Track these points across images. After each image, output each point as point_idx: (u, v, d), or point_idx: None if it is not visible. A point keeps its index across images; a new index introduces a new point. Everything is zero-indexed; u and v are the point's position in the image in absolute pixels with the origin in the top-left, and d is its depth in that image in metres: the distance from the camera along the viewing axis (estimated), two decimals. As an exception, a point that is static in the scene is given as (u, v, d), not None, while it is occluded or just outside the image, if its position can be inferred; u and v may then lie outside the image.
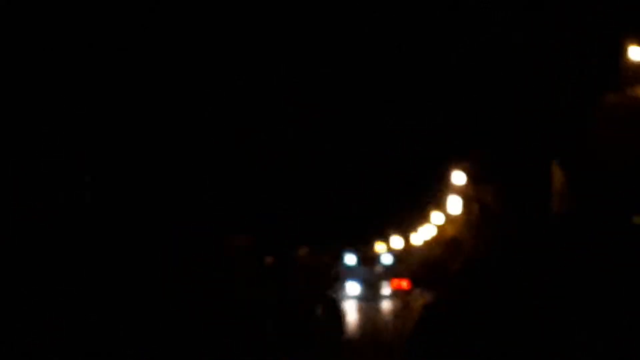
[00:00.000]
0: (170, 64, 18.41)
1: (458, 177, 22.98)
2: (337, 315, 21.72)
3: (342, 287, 27.80)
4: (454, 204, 23.91)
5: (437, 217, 28.53)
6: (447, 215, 26.30)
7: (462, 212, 23.45)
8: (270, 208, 21.93)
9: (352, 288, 27.83)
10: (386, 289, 27.49)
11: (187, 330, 13.86)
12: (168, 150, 18.49)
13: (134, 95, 17.53)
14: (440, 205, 27.17)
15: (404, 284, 27.08)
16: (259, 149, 21.36)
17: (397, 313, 23.40)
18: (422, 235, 31.73)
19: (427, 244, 30.54)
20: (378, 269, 29.48)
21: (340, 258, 28.93)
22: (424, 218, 31.10)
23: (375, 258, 30.59)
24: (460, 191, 23.55)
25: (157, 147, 18.29)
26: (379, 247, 32.32)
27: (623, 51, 21.18)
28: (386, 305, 26.10)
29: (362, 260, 29.30)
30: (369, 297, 27.23)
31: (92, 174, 16.44)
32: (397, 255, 31.46)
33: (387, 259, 30.49)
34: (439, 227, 28.48)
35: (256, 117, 20.77)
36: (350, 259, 28.73)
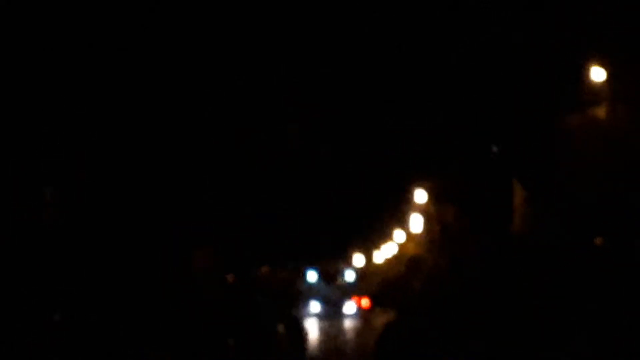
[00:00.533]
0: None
1: (420, 196, 23.29)
2: (299, 333, 21.59)
3: (303, 305, 27.39)
4: (416, 223, 24.65)
5: (398, 235, 28.66)
6: (409, 234, 26.45)
7: (423, 230, 23.78)
8: (231, 225, 20.84)
9: (314, 306, 27.81)
10: (348, 307, 27.39)
11: (147, 347, 13.51)
12: (134, 164, 17.84)
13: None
14: (403, 224, 27.51)
15: (365, 302, 27.09)
16: (222, 166, 20.65)
17: (358, 331, 23.53)
18: (384, 253, 31.73)
19: (389, 262, 30.37)
20: (340, 286, 29.32)
21: (301, 276, 28.88)
22: (386, 236, 31.22)
23: (338, 276, 30.27)
24: (422, 210, 23.91)
25: (123, 162, 17.60)
26: (341, 264, 31.63)
27: (585, 72, 21.25)
28: (348, 323, 26.09)
29: (324, 278, 29.28)
30: (331, 315, 27.17)
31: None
32: (359, 272, 31.25)
33: (349, 277, 30.23)
34: (401, 245, 28.32)
35: (220, 133, 19.99)
36: (311, 277, 28.71)
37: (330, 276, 30.10)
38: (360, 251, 32.67)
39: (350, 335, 24.10)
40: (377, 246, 32.17)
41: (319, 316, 27.33)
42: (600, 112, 19.35)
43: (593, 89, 19.68)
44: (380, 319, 19.26)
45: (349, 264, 32.28)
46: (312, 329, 25.06)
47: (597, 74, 19.10)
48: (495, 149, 19.25)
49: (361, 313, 26.67)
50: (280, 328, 21.51)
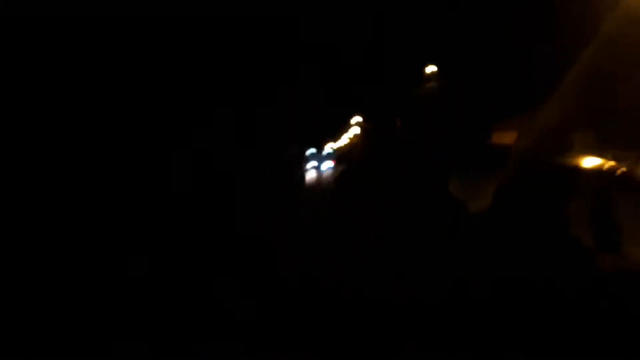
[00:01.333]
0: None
1: (356, 122, 27.87)
2: (302, 178, 26.19)
3: (306, 164, 30.84)
4: (355, 130, 29.18)
5: (349, 134, 32.72)
6: (353, 135, 30.49)
7: (359, 135, 29.35)
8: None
9: (312, 164, 31.35)
10: (327, 165, 30.51)
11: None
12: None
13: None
14: (349, 132, 31.64)
15: (333, 163, 30.53)
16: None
17: (329, 176, 27.24)
18: (342, 142, 35.10)
19: (345, 147, 33.91)
20: (324, 155, 33.73)
21: (305, 151, 32.33)
22: (345, 131, 35.06)
23: (323, 152, 34.59)
24: (359, 125, 28.93)
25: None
26: (325, 147, 35.47)
27: (424, 68, 20.23)
28: (325, 173, 29.51)
29: (316, 152, 33.04)
30: (318, 169, 30.80)
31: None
32: (335, 152, 34.51)
33: (328, 153, 34.26)
34: (349, 140, 32.15)
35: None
36: (311, 151, 32.16)
37: (319, 152, 33.79)
38: (332, 140, 36.20)
39: (325, 177, 28.03)
40: (337, 139, 35.37)
41: (314, 168, 30.54)
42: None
43: (430, 76, 20.10)
44: (339, 169, 24.45)
45: (328, 146, 35.94)
46: (310, 174, 29.83)
47: (430, 70, 19.35)
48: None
49: (332, 167, 28.75)
50: (297, 176, 25.71)
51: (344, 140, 34.81)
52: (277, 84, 18.81)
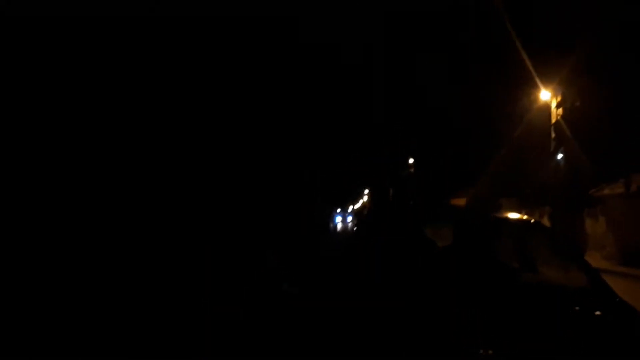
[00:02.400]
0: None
1: (366, 192, 28.81)
2: (335, 228, 25.87)
3: (335, 222, 29.98)
4: (366, 196, 30.46)
5: (362, 199, 33.67)
6: (365, 200, 32.06)
7: (368, 199, 30.81)
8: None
9: (340, 217, 31.11)
10: (349, 221, 30.14)
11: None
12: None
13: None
14: (363, 197, 32.76)
15: (353, 217, 30.26)
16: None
17: (353, 225, 22.92)
18: (358, 205, 35.63)
19: (360, 207, 34.33)
20: (348, 214, 33.00)
21: (336, 210, 31.88)
22: (357, 200, 36.12)
23: (347, 211, 34.23)
24: (368, 195, 30.26)
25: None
26: (348, 208, 35.46)
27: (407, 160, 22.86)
28: (350, 224, 27.73)
29: (342, 212, 32.63)
30: (345, 222, 30.56)
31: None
32: (354, 210, 35.02)
33: (350, 211, 34.43)
34: (362, 203, 33.14)
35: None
36: (337, 212, 31.79)
37: (345, 211, 33.71)
38: (352, 204, 36.74)
39: (349, 227, 25.28)
40: (355, 203, 36.27)
41: (341, 222, 30.17)
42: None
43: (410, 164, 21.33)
44: (356, 221, 20.92)
45: (350, 207, 36.62)
46: (340, 224, 28.37)
47: (410, 161, 19.75)
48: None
49: (353, 222, 26.94)
50: (331, 226, 23.39)
51: (359, 203, 35.83)
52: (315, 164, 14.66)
